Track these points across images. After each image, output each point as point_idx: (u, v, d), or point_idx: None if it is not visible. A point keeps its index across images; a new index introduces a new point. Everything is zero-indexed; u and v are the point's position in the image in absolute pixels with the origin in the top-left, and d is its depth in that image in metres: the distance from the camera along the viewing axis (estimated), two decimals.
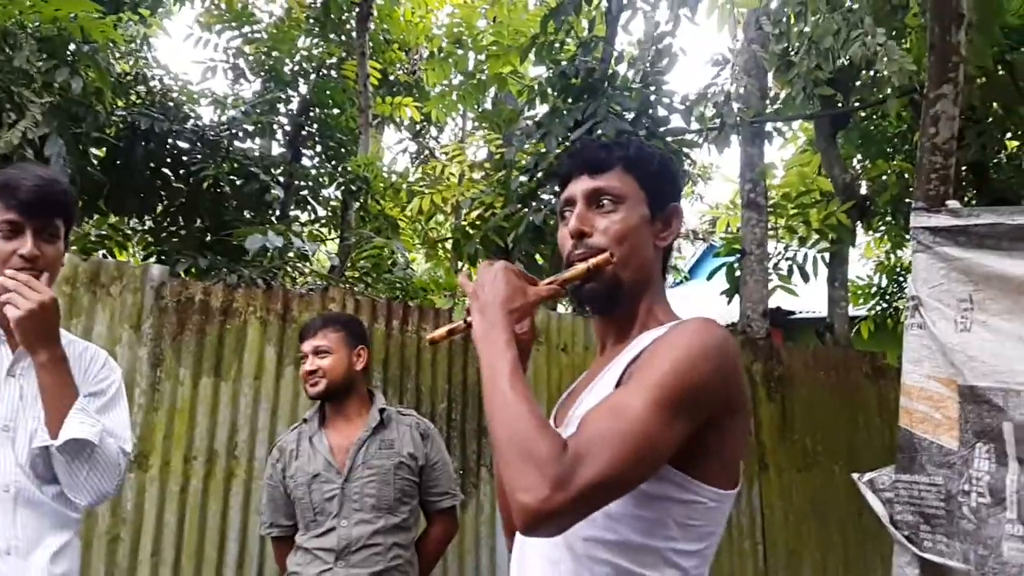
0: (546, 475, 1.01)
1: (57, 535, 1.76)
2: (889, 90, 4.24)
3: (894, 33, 4.76)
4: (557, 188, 1.46)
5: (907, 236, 7.53)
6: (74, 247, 6.16)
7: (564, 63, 5.01)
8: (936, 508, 2.46)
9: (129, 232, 6.82)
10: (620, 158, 1.34)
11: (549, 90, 5.01)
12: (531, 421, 1.07)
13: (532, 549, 1.26)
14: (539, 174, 4.86)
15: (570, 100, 4.83)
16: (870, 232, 8.09)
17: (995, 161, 6.73)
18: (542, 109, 5.39)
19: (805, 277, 5.96)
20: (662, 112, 4.74)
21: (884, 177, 6.75)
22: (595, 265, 1.27)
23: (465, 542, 3.83)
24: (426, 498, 2.62)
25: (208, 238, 6.17)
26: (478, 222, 5.90)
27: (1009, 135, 6.60)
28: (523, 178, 5.08)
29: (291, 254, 5.48)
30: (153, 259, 6.06)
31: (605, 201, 1.32)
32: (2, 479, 1.69)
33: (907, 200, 6.86)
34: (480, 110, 7.70)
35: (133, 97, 6.40)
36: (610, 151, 1.35)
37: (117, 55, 6.29)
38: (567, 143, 4.48)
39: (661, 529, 1.15)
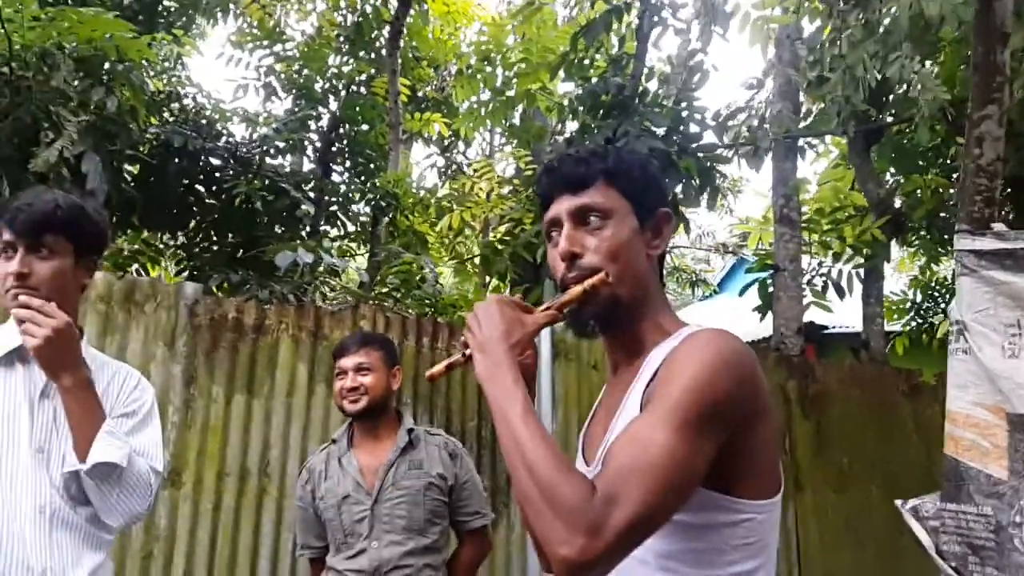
0: (579, 525, 0.98)
1: (92, 556, 1.76)
2: (920, 114, 4.16)
3: (928, 51, 4.70)
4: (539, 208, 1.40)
5: (942, 250, 7.44)
6: (107, 263, 6.25)
7: (594, 80, 5.00)
8: (985, 540, 2.38)
9: (162, 247, 6.90)
10: (601, 171, 1.29)
11: (579, 107, 5.00)
12: (553, 466, 1.04)
13: None
14: None
15: (600, 117, 4.82)
16: (905, 247, 7.96)
17: None
18: (572, 126, 5.39)
19: (841, 294, 5.87)
20: (694, 128, 4.71)
21: (918, 192, 6.64)
22: (591, 286, 1.23)
23: (496, 560, 3.80)
24: (457, 518, 2.60)
25: (240, 254, 6.23)
26: (507, 238, 5.89)
27: None
28: None
29: (321, 269, 5.50)
30: (185, 274, 6.13)
31: (592, 218, 1.28)
32: (37, 500, 1.69)
33: (942, 215, 6.76)
34: (508, 125, 7.71)
35: (167, 115, 6.49)
36: (589, 164, 1.30)
37: (151, 74, 6.40)
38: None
39: (717, 556, 1.13)
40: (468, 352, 1.25)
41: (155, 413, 1.94)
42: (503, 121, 7.04)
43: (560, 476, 1.02)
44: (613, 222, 1.27)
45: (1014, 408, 2.37)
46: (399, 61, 7.59)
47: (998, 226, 2.50)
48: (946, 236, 6.65)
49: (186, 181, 6.25)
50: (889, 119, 6.16)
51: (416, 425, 2.68)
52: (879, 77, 4.31)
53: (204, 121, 6.48)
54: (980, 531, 2.41)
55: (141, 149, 5.96)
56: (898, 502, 2.68)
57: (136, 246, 6.61)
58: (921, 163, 7.35)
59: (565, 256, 1.27)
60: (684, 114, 4.64)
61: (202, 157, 6.13)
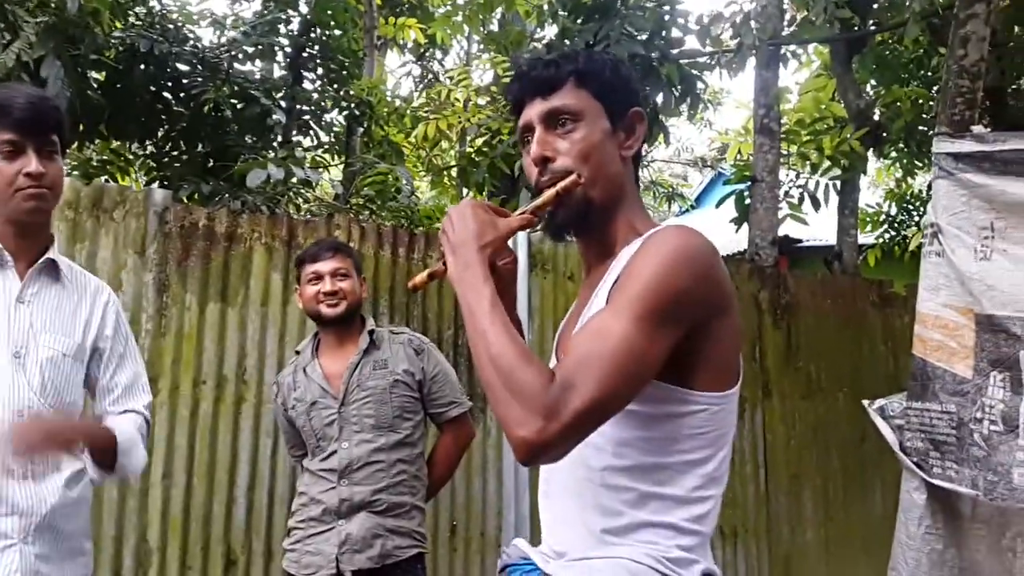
0: (536, 407, 1.03)
1: (71, 460, 1.77)
2: (908, 15, 4.07)
3: None
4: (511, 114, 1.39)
5: (919, 164, 7.46)
6: (76, 172, 6.11)
7: None
8: (947, 435, 2.46)
9: (131, 157, 6.74)
10: (570, 72, 1.28)
11: (559, 10, 4.85)
12: (515, 355, 1.08)
13: (556, 483, 1.28)
14: None
15: (581, 21, 4.68)
16: (882, 159, 7.97)
17: (1014, 88, 6.58)
18: (551, 31, 5.24)
19: (816, 205, 5.89)
20: (676, 33, 4.59)
21: (898, 103, 6.60)
22: (563, 189, 1.24)
23: (473, 465, 3.88)
24: (432, 411, 2.63)
25: (210, 164, 6.10)
26: (485, 149, 5.80)
27: None
28: None
29: (294, 180, 5.41)
30: (156, 184, 6.00)
31: (563, 121, 1.27)
32: (16, 404, 1.69)
33: (921, 127, 6.75)
34: (486, 32, 7.49)
35: (131, 18, 6.23)
36: (559, 67, 1.29)
37: None
38: None
39: (671, 444, 1.16)
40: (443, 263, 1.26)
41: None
42: (480, 27, 6.84)
43: (520, 363, 1.07)
44: (584, 124, 1.27)
45: (983, 309, 2.42)
46: None
47: (978, 128, 2.49)
48: (923, 148, 6.65)
49: (153, 88, 6.06)
50: (873, 27, 6.05)
51: (380, 327, 2.69)
52: None
53: (170, 25, 6.24)
54: (942, 427, 2.49)
55: (106, 54, 5.74)
56: (865, 402, 2.75)
57: (105, 156, 6.45)
58: (903, 75, 7.29)
59: (537, 160, 1.27)
60: (666, 18, 4.52)
61: (169, 62, 5.92)
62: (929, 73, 7.11)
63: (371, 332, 2.59)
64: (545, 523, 1.32)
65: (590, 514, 1.20)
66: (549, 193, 1.25)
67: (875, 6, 6.24)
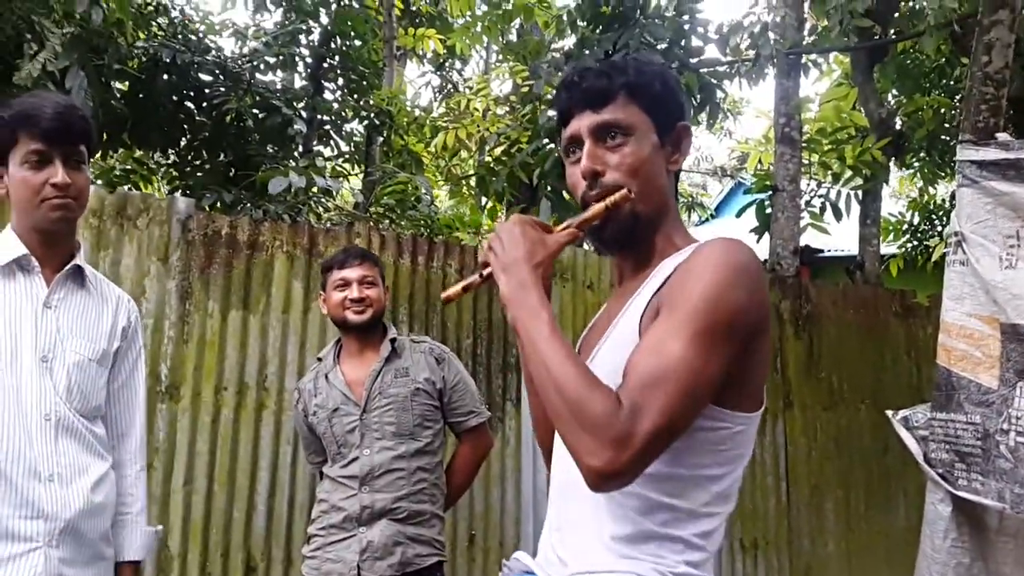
0: (606, 437, 1.02)
1: (96, 464, 1.79)
2: (927, 23, 4.04)
3: None
4: (557, 124, 1.36)
5: (941, 173, 7.40)
6: (99, 181, 6.19)
7: None
8: (972, 447, 2.43)
9: (154, 166, 6.82)
10: (622, 85, 1.26)
11: (579, 19, 4.86)
12: (580, 383, 1.06)
13: (571, 484, 1.23)
14: None
15: (600, 30, 4.69)
16: (903, 168, 7.90)
17: None
18: (570, 41, 5.25)
19: (838, 215, 5.84)
20: (696, 43, 4.59)
21: (920, 112, 6.55)
22: (613, 204, 1.22)
23: (492, 474, 3.88)
24: (452, 420, 2.63)
25: (232, 173, 6.15)
26: (503, 158, 5.81)
27: None
28: (551, 112, 4.98)
29: (315, 190, 5.45)
30: (179, 193, 6.07)
31: (613, 134, 1.25)
32: (42, 408, 1.70)
33: (943, 136, 6.69)
34: (505, 42, 7.53)
35: (154, 29, 6.31)
36: (611, 79, 1.26)
37: None
38: None
39: (688, 457, 1.15)
40: (486, 273, 1.24)
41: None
42: (499, 36, 6.87)
43: (587, 392, 1.05)
44: (635, 139, 1.25)
45: (1008, 318, 2.38)
46: None
47: (1002, 135, 2.46)
48: (946, 158, 6.60)
49: (175, 98, 6.13)
50: (894, 36, 6.01)
51: (401, 335, 2.70)
52: None
53: (193, 35, 6.32)
54: (968, 439, 2.45)
55: (129, 64, 5.82)
56: (889, 412, 2.72)
57: (128, 165, 6.53)
58: (924, 84, 7.24)
59: (587, 174, 1.25)
60: (686, 27, 4.52)
61: (191, 72, 6.00)
62: (951, 82, 7.05)
63: (393, 340, 2.60)
64: (552, 525, 1.29)
65: (601, 519, 1.18)
66: (598, 207, 1.23)
67: (895, 15, 6.20)
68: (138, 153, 6.53)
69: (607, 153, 1.25)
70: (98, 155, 6.23)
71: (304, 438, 2.73)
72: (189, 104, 6.23)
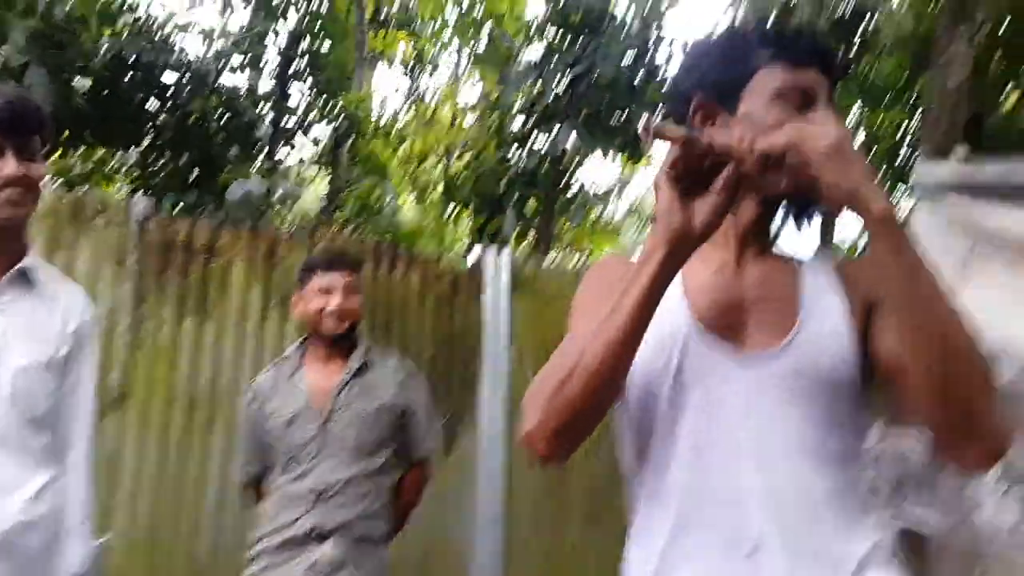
0: (1002, 416, 0.92)
1: (37, 478, 1.73)
2: (884, 42, 4.11)
3: None
4: (764, 60, 1.10)
5: (900, 188, 7.52)
6: (59, 180, 6.06)
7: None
8: (918, 469, 2.45)
9: (116, 167, 6.71)
10: (832, 62, 1.10)
11: (549, 24, 4.87)
12: (976, 344, 0.90)
13: (784, 462, 1.02)
14: (535, 114, 4.76)
15: (568, 38, 4.70)
16: None
17: (993, 117, 6.64)
18: (539, 49, 5.26)
19: (799, 225, 5.89)
20: (661, 56, 4.63)
21: (881, 127, 6.66)
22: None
23: (447, 489, 3.81)
24: (406, 443, 2.57)
25: (195, 174, 6.07)
26: (471, 164, 5.80)
27: (1008, 89, 6.51)
28: (518, 120, 4.98)
29: (279, 193, 5.39)
30: (139, 194, 5.97)
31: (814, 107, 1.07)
32: None
33: (902, 151, 6.81)
34: (475, 51, 7.52)
35: (119, 26, 6.21)
36: (832, 50, 1.12)
37: None
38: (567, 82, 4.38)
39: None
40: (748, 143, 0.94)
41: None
42: (470, 43, 6.87)
43: (986, 362, 0.90)
44: None
45: None
46: None
47: (959, 151, 2.49)
48: (905, 172, 6.71)
49: (139, 96, 6.04)
50: (856, 52, 6.11)
51: (371, 350, 2.63)
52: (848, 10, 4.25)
53: (158, 34, 6.23)
54: (914, 461, 2.48)
55: (93, 62, 5.72)
56: None
57: (89, 165, 6.42)
58: (886, 99, 7.36)
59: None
60: (651, 42, 4.55)
61: (156, 72, 5.91)
62: (911, 98, 7.19)
63: (366, 352, 2.52)
64: (730, 548, 1.02)
65: (832, 526, 1.01)
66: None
67: (858, 32, 6.30)
68: (100, 152, 6.42)
69: None
70: (58, 153, 6.11)
71: (247, 442, 2.51)
72: (153, 103, 6.14)
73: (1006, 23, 5.31)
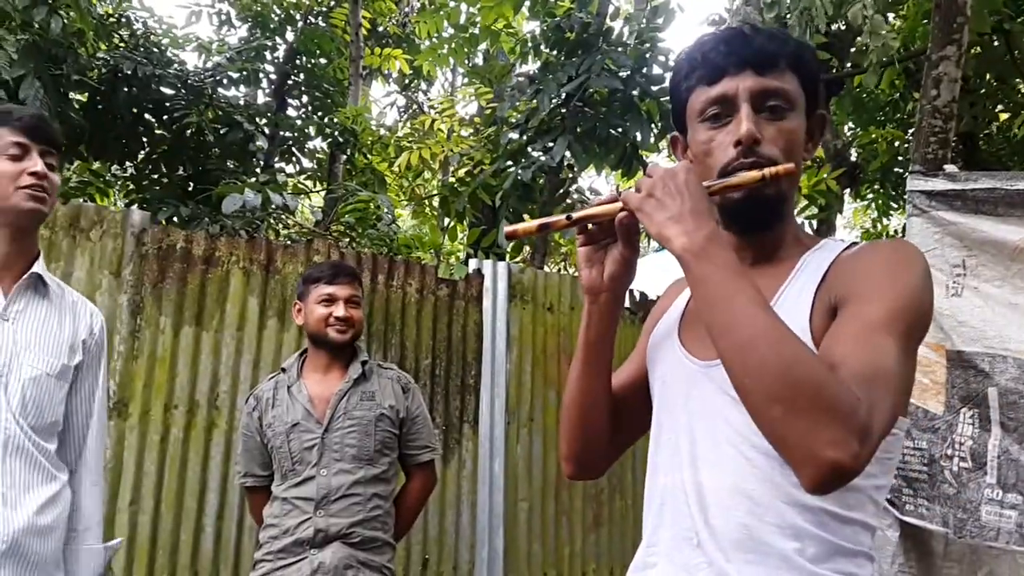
0: (853, 427, 0.88)
1: (47, 486, 1.73)
2: (870, 60, 4.15)
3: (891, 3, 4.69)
4: (692, 83, 1.16)
5: (894, 204, 7.59)
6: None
7: (559, 17, 4.91)
8: (919, 472, 2.47)
9: (111, 179, 6.71)
10: (787, 55, 1.12)
11: (543, 44, 4.91)
12: (818, 362, 0.91)
13: (739, 494, 1.05)
14: (530, 131, 4.79)
15: (564, 55, 4.74)
16: (858, 199, 8.09)
17: (985, 132, 6.72)
18: (534, 65, 5.30)
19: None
20: (657, 70, 4.66)
21: (875, 144, 6.72)
22: (773, 175, 1.07)
23: (447, 497, 3.84)
24: (406, 451, 2.60)
25: (190, 188, 6.08)
26: (467, 179, 5.82)
27: (1001, 107, 6.58)
28: (513, 135, 5.01)
29: (272, 207, 5.40)
30: (135, 206, 5.97)
31: (773, 106, 1.11)
32: None
33: (896, 168, 6.87)
34: (471, 65, 7.58)
35: (116, 40, 6.24)
36: (778, 44, 1.12)
37: None
38: (560, 100, 4.41)
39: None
40: (623, 216, 1.08)
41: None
42: (466, 60, 6.92)
43: (827, 375, 0.90)
44: (795, 114, 1.12)
45: (954, 345, 2.44)
46: None
47: (950, 167, 2.54)
48: (899, 189, 6.77)
49: (135, 110, 6.05)
50: (848, 70, 6.18)
51: (370, 359, 2.67)
52: (838, 26, 4.30)
53: (155, 48, 6.25)
54: (915, 464, 2.50)
55: (89, 75, 5.73)
56: None
57: (85, 177, 6.42)
58: (879, 117, 7.43)
59: (747, 139, 1.09)
60: (647, 56, 4.59)
61: (152, 85, 5.93)
62: (904, 115, 7.26)
63: (364, 362, 2.57)
64: (679, 544, 1.10)
65: (780, 535, 1.02)
66: (752, 174, 1.07)
67: (851, 49, 6.38)
68: (95, 165, 6.42)
69: (764, 124, 1.10)
70: None
71: (248, 449, 2.57)
72: (149, 117, 6.16)
73: (994, 44, 5.40)
